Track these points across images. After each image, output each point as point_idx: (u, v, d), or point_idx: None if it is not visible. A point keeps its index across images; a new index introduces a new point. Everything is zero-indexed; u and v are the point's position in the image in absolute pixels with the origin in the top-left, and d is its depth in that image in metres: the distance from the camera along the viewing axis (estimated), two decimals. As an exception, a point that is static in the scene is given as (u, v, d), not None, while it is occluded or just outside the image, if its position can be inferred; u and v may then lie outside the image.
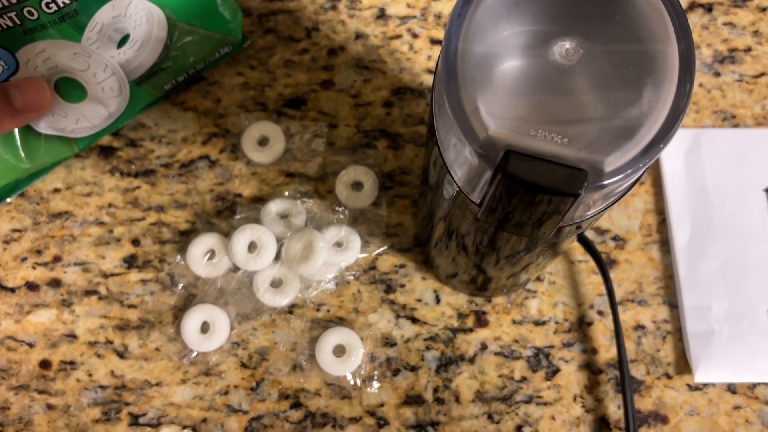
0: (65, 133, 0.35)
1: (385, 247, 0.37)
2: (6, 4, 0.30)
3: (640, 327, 0.36)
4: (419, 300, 0.36)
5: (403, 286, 0.36)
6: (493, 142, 0.21)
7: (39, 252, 0.36)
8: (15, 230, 0.37)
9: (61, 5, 0.31)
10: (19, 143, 0.34)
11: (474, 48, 0.22)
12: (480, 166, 0.22)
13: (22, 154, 0.34)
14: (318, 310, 0.36)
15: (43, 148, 0.35)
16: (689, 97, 0.22)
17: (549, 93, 0.22)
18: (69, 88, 0.34)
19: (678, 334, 0.36)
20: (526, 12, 0.22)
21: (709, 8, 0.41)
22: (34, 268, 0.36)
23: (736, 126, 0.39)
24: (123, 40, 0.34)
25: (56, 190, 0.37)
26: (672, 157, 0.38)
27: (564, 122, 0.21)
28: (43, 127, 0.34)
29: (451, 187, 0.26)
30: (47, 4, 0.31)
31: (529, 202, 0.21)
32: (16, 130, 0.34)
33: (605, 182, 0.21)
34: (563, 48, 0.22)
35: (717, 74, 0.40)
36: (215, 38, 0.37)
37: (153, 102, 0.38)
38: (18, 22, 0.31)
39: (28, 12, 0.31)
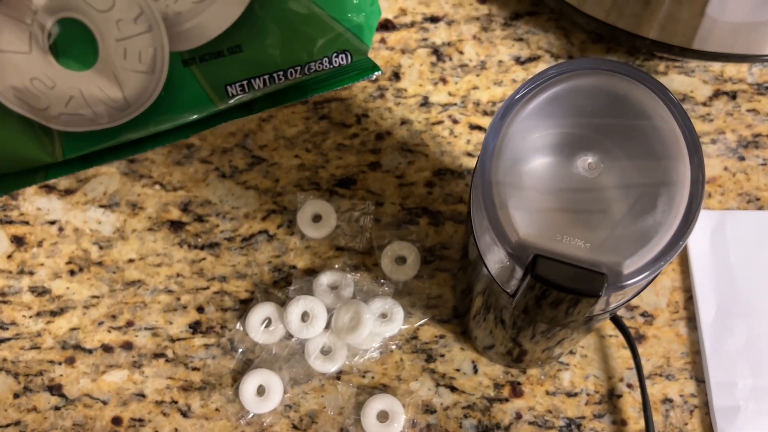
0: (43, 117, 0.22)
1: (426, 319, 0.40)
2: None
3: (667, 400, 0.38)
4: (458, 370, 0.39)
5: (442, 355, 0.39)
6: (523, 245, 0.24)
7: (114, 317, 0.40)
8: (93, 296, 0.41)
9: None
10: None
11: (508, 158, 0.25)
12: (510, 263, 0.25)
13: None
14: (363, 376, 0.39)
15: None
16: (699, 207, 0.24)
17: (573, 202, 0.25)
18: (71, 41, 0.21)
19: (705, 408, 0.38)
20: (554, 125, 0.26)
21: (733, 96, 0.44)
22: (109, 331, 0.40)
23: (760, 208, 0.41)
24: None
25: (131, 261, 0.41)
26: (698, 238, 0.40)
27: (586, 229, 0.24)
28: (11, 98, 0.21)
29: (487, 274, 0.29)
30: None
31: (556, 300, 0.24)
32: None
33: (624, 283, 0.24)
34: (586, 162, 0.25)
35: (741, 158, 0.42)
36: (326, 26, 0.24)
37: (202, 120, 0.25)
38: None
39: None
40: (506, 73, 0.45)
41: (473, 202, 0.27)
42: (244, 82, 0.26)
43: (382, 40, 0.45)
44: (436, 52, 0.45)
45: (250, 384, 0.38)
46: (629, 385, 0.38)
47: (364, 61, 0.28)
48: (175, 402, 0.39)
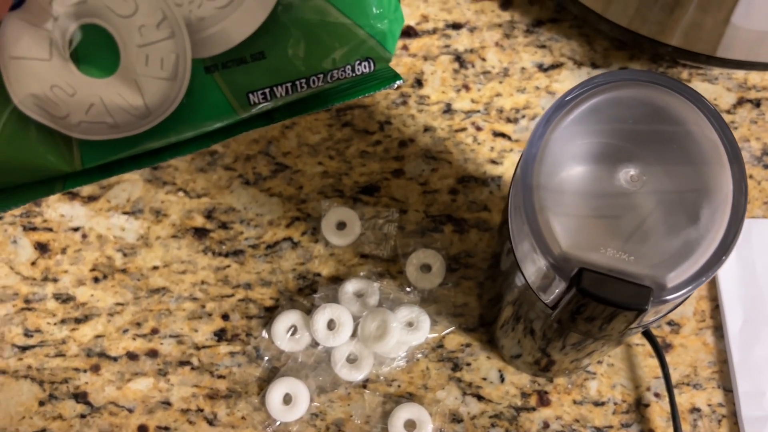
0: (63, 126, 0.22)
1: (452, 328, 0.40)
2: None
3: (695, 410, 0.38)
4: (484, 378, 0.39)
5: (469, 364, 0.39)
6: (567, 257, 0.24)
7: (139, 324, 0.40)
8: (118, 304, 0.41)
9: None
10: None
11: (549, 163, 0.25)
12: (551, 274, 0.25)
13: None
14: (390, 385, 0.39)
15: (17, 143, 0.21)
16: (742, 219, 0.24)
17: (616, 214, 0.25)
18: (92, 47, 0.21)
19: (733, 417, 0.38)
20: (596, 134, 0.26)
21: (757, 103, 0.44)
22: (134, 339, 0.40)
23: (785, 216, 0.41)
24: None
25: (155, 268, 0.41)
26: (724, 246, 0.40)
27: (628, 240, 0.24)
28: (30, 106, 0.21)
29: (522, 284, 0.29)
30: None
31: (599, 313, 0.24)
32: None
33: (668, 297, 0.24)
34: (628, 174, 0.25)
35: (766, 166, 0.42)
36: (350, 34, 0.24)
37: (222, 130, 0.25)
38: None
39: None
40: (529, 80, 0.45)
41: (512, 209, 0.27)
42: (267, 90, 0.26)
43: (405, 47, 0.45)
44: (459, 58, 0.45)
45: (276, 392, 0.38)
46: (656, 395, 0.38)
47: (385, 70, 0.28)
48: (201, 410, 0.39)
